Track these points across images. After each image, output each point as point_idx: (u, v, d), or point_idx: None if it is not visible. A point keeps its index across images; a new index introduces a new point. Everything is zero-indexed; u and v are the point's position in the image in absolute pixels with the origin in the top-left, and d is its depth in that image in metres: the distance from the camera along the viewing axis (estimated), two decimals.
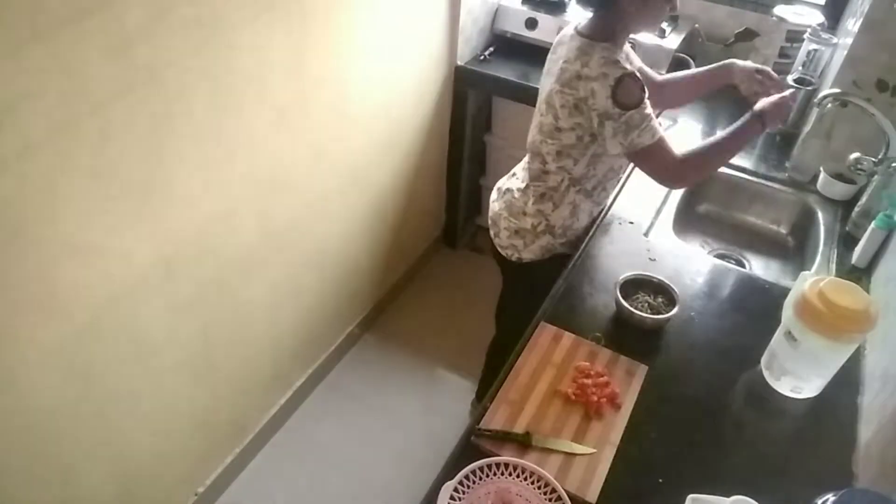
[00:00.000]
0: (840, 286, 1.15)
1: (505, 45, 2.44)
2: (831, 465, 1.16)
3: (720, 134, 1.46)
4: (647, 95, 1.35)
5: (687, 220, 1.81)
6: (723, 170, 1.88)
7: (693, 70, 1.75)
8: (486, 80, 2.35)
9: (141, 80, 1.29)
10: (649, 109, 1.37)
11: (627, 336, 1.35)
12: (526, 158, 1.66)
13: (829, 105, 1.64)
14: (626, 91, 1.33)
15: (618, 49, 1.41)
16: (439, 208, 2.81)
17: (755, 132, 1.47)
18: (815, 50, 1.93)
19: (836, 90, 1.61)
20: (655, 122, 1.38)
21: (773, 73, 1.59)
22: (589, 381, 1.22)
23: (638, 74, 1.35)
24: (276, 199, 1.80)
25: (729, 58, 2.26)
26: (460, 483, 1.04)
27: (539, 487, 1.05)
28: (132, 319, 1.49)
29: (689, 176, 1.51)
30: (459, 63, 2.37)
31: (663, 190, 1.77)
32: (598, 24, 1.42)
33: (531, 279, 1.68)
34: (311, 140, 1.85)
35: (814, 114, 1.75)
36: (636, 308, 1.36)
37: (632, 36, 1.55)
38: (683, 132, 2.02)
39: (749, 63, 1.62)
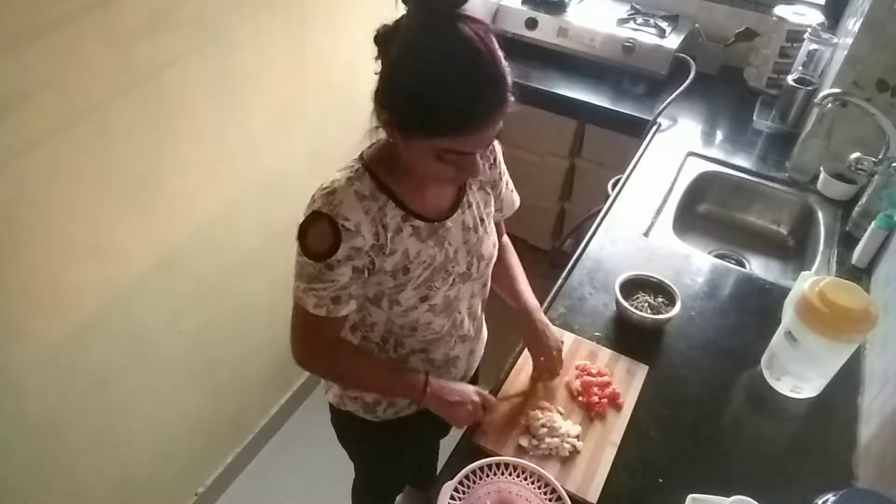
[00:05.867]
0: (840, 286, 1.15)
1: (505, 46, 2.41)
2: (831, 465, 1.16)
3: (381, 365, 1.14)
4: (338, 256, 0.98)
5: (687, 220, 1.81)
6: (723, 170, 1.89)
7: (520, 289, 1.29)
8: None
9: (141, 80, 1.29)
10: (336, 276, 1.00)
11: (627, 336, 1.35)
12: None
13: (829, 105, 1.64)
14: (315, 234, 1.00)
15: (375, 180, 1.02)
16: None
17: (407, 395, 1.17)
18: (815, 50, 1.93)
19: (836, 90, 1.61)
20: (330, 293, 1.02)
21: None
22: (593, 379, 1.22)
23: (340, 224, 0.97)
24: (277, 198, 1.80)
25: (729, 57, 2.27)
26: (460, 483, 1.03)
27: (539, 487, 1.05)
28: (132, 319, 1.49)
29: (311, 366, 1.17)
30: None
31: (663, 190, 1.78)
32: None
33: (336, 427, 1.39)
34: (311, 139, 1.85)
35: (814, 114, 1.75)
36: (636, 308, 1.36)
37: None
38: (683, 132, 2.02)
39: (556, 335, 1.25)
